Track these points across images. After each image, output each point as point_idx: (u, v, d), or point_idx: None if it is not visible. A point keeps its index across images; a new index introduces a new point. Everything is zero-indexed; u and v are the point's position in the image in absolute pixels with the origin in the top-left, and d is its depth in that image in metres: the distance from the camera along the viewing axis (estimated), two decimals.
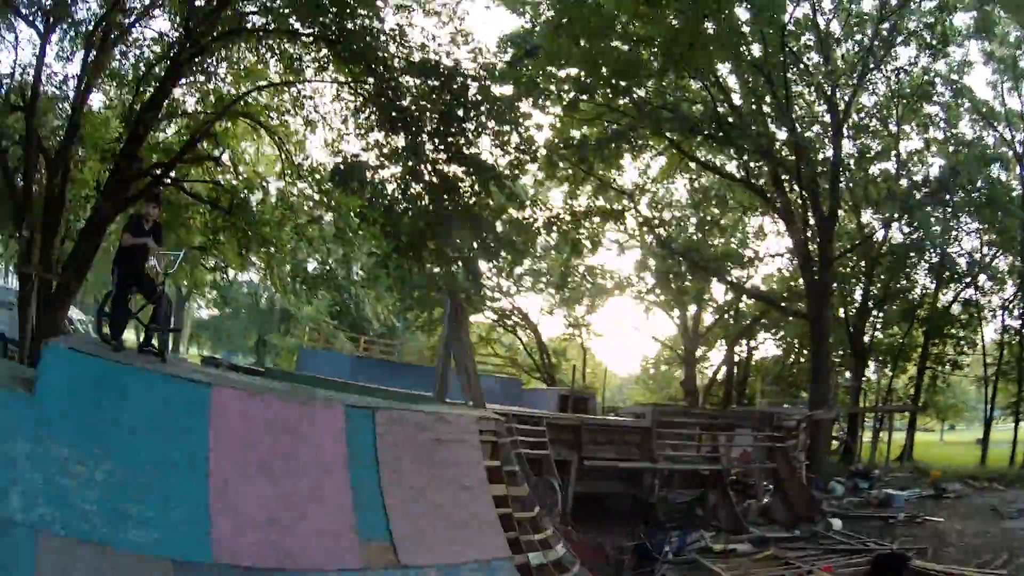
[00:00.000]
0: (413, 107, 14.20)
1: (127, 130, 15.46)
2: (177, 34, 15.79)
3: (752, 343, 38.98)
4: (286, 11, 14.63)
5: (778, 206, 25.25)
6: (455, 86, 14.25)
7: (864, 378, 33.70)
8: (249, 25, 15.59)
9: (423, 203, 13.98)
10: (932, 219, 27.39)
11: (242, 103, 17.50)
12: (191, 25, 14.84)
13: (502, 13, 30.07)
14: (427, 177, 14.03)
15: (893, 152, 29.30)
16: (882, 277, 31.70)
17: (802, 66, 25.03)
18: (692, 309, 37.99)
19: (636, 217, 26.39)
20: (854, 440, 29.99)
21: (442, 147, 14.16)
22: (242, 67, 17.77)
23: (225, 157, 18.78)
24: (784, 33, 22.73)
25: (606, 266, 38.16)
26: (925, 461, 28.84)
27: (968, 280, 32.09)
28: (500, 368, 38.34)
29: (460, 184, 14.20)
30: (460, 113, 14.26)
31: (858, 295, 32.39)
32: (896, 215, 26.13)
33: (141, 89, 16.03)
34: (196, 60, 15.68)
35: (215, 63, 16.93)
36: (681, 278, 31.49)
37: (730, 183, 28.52)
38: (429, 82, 14.34)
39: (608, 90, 22.21)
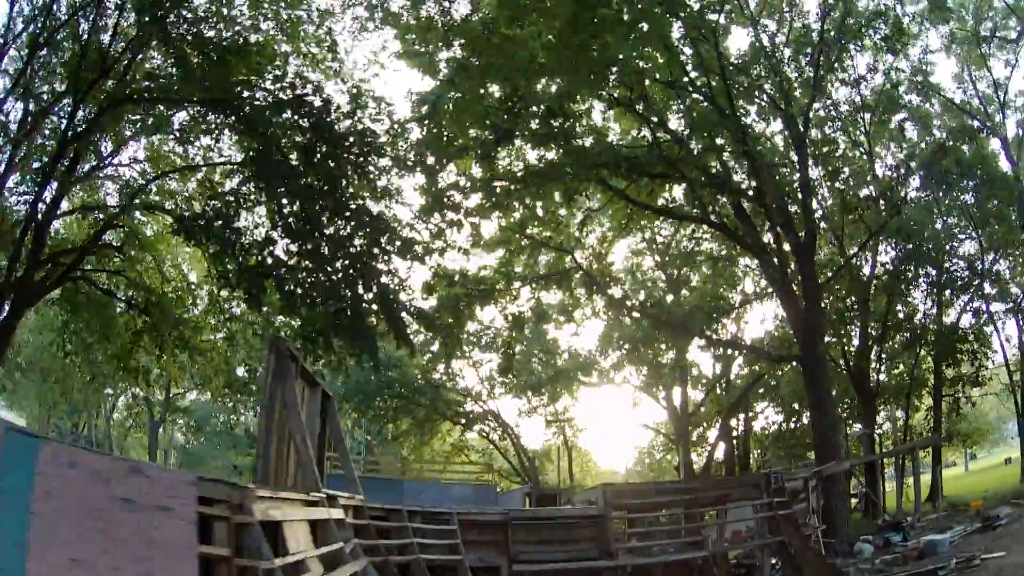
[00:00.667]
0: (300, 165, 13.98)
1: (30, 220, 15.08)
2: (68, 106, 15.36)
3: (749, 413, 36.24)
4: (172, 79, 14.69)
5: (748, 241, 22.00)
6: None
7: (877, 424, 30.34)
8: (135, 94, 15.32)
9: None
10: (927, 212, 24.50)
11: (149, 194, 17.48)
12: (79, 94, 14.61)
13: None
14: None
15: (868, 172, 26.66)
16: (880, 304, 28.62)
17: (748, 82, 22.45)
18: (678, 390, 35.28)
19: (584, 279, 21.32)
20: (876, 493, 26.29)
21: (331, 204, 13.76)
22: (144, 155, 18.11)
23: (147, 256, 18.63)
24: (718, 45, 20.28)
25: (565, 345, 34.50)
26: (957, 494, 25.72)
27: (973, 287, 29.19)
28: (478, 476, 36.02)
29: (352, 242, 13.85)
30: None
31: (856, 333, 29.34)
32: (886, 215, 22.60)
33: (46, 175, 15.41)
34: (91, 140, 15.71)
35: (113, 147, 17.26)
36: (652, 343, 26.99)
37: (692, 235, 25.72)
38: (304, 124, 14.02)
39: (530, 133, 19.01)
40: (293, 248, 14.04)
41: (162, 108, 16.06)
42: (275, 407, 8.44)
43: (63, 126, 15.27)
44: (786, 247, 22.24)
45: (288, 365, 8.52)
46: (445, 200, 17.31)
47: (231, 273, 13.53)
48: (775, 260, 21.15)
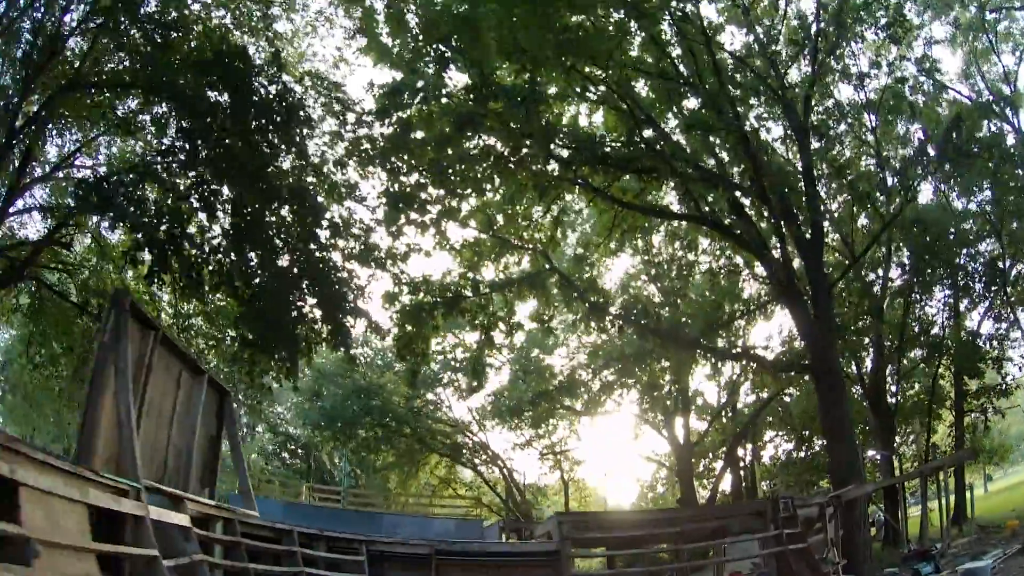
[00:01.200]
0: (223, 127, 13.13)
1: None
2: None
3: (758, 443, 34.08)
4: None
5: (747, 239, 19.77)
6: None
7: (896, 445, 28.14)
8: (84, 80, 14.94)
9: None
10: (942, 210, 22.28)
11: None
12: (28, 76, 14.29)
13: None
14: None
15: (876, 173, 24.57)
16: (896, 315, 26.33)
17: (742, 72, 20.46)
18: (680, 420, 32.72)
19: (560, 283, 19.02)
20: (896, 519, 23.79)
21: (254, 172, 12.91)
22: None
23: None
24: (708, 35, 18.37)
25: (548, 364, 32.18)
26: (983, 516, 23.85)
27: (995, 290, 27.09)
28: (467, 511, 34.48)
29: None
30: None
31: (870, 350, 27.08)
32: (900, 203, 20.19)
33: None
34: (41, 131, 15.31)
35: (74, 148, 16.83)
36: (644, 359, 23.93)
37: (687, 242, 23.60)
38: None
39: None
40: (216, 226, 13.43)
41: (108, 95, 15.59)
42: (109, 372, 6.62)
43: (11, 117, 14.56)
44: (791, 249, 20.17)
45: (127, 323, 6.80)
46: (409, 197, 16.01)
47: (133, 247, 12.53)
48: (779, 260, 18.92)
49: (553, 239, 19.50)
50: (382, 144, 15.83)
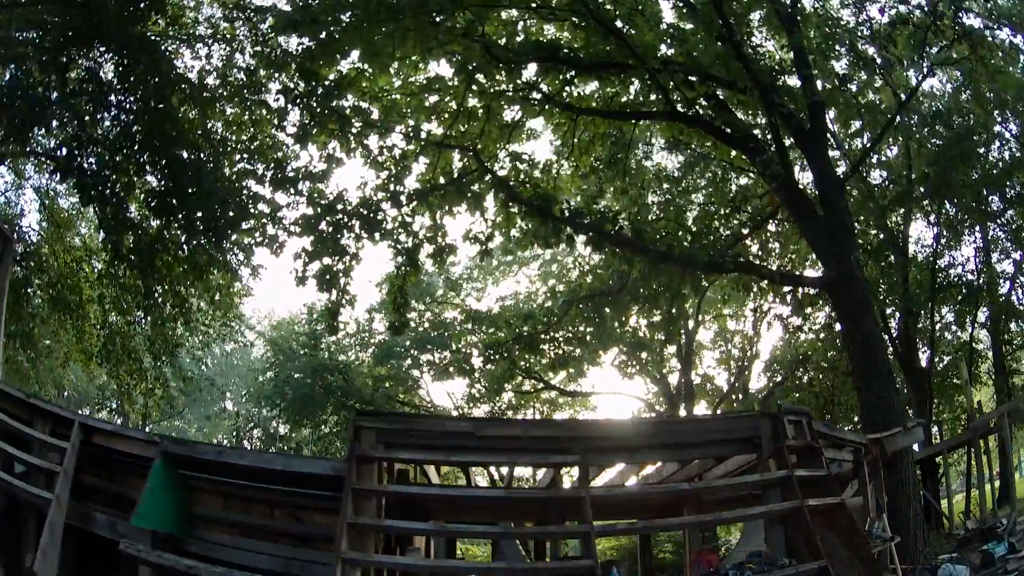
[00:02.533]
0: None
1: None
2: None
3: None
4: None
5: (733, 135, 15.58)
6: None
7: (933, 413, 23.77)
8: None
9: None
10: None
11: None
12: None
13: None
14: None
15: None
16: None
17: None
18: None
19: (494, 184, 15.00)
20: (938, 499, 19.45)
21: None
22: None
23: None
24: None
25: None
26: None
27: None
28: None
29: None
30: None
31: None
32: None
33: None
34: None
35: None
36: (616, 302, 18.71)
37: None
38: None
39: None
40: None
41: None
42: None
43: None
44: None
45: None
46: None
47: None
48: (772, 152, 14.66)
49: (486, 134, 15.27)
50: None
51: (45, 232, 18.58)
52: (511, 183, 15.62)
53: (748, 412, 18.04)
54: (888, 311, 22.78)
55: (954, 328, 24.95)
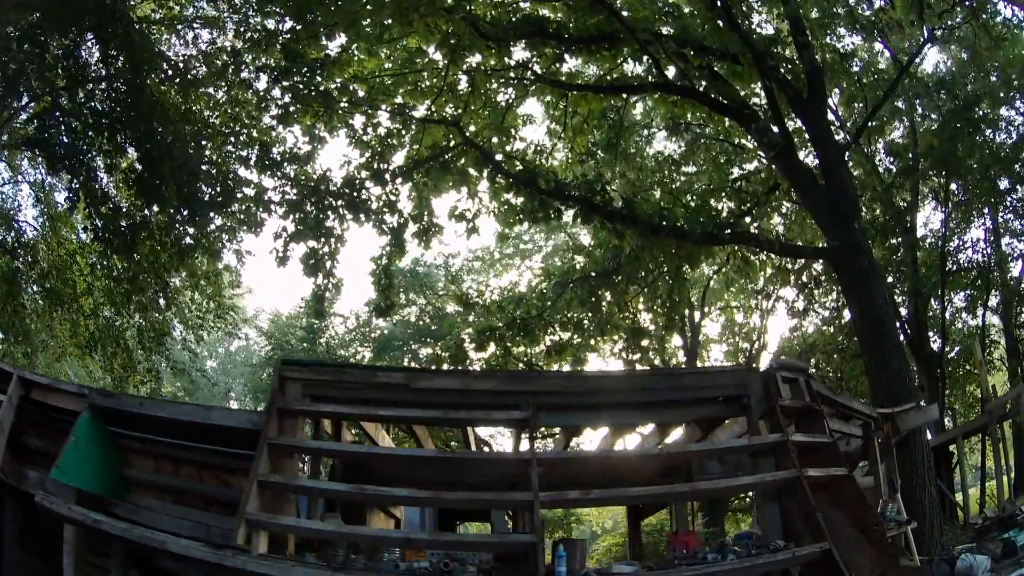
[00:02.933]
0: None
1: None
2: None
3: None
4: None
5: (729, 105, 15.05)
6: None
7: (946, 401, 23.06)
8: None
9: None
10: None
11: None
12: None
13: None
14: None
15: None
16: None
17: None
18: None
19: (475, 156, 14.49)
20: (952, 489, 18.67)
21: None
22: None
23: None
24: None
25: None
26: None
27: None
28: None
29: None
30: None
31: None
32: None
33: None
34: None
35: None
36: (606, 282, 17.36)
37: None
38: None
39: None
40: None
41: None
42: None
43: None
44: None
45: None
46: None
47: None
48: (768, 120, 14.15)
49: (472, 111, 14.83)
50: None
51: (41, 227, 18.61)
52: (504, 165, 15.15)
53: (734, 366, 17.23)
54: (897, 298, 22.21)
55: (964, 316, 24.39)
